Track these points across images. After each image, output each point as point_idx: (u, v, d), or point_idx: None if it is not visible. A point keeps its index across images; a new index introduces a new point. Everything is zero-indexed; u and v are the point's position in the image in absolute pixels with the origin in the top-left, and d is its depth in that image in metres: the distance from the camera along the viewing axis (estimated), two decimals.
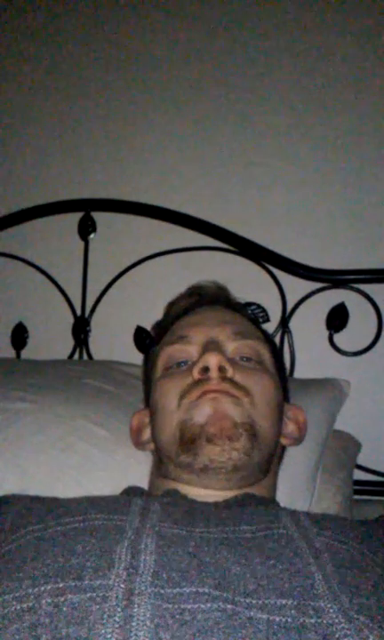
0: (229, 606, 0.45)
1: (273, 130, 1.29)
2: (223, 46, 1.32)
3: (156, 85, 1.35)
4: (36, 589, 0.46)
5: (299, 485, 0.89)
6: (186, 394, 0.71)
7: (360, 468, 1.12)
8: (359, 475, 1.11)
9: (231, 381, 0.70)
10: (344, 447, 1.04)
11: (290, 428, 0.81)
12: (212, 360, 0.70)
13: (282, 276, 1.22)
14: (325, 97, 1.27)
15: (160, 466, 0.76)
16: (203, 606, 0.45)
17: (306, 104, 1.28)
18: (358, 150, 1.25)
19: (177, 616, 0.43)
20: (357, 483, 1.09)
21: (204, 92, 1.33)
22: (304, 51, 1.28)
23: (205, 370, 0.70)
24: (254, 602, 0.46)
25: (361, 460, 1.10)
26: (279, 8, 1.29)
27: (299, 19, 1.28)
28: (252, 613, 0.45)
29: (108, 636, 0.41)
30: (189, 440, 0.68)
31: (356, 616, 0.45)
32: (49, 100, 1.41)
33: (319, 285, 1.21)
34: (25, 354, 1.34)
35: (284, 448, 0.82)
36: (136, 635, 0.41)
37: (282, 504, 0.73)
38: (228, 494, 0.68)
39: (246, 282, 1.22)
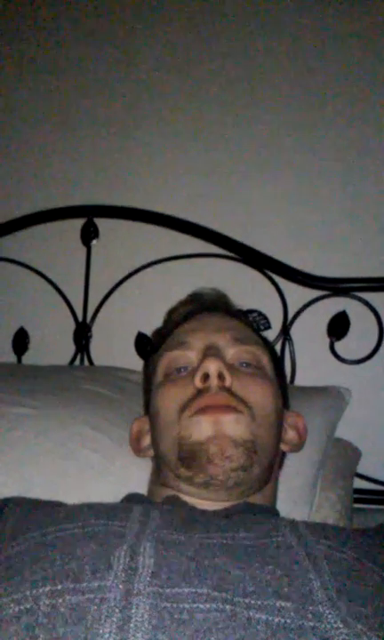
0: (228, 606, 0.45)
1: (276, 137, 1.30)
2: (226, 52, 1.33)
3: (159, 91, 1.36)
4: (34, 591, 0.46)
5: (299, 493, 0.89)
6: (186, 406, 0.70)
7: (360, 476, 1.11)
8: (359, 483, 1.11)
9: (229, 392, 0.70)
10: (344, 455, 1.04)
11: (290, 434, 0.81)
12: (212, 367, 0.70)
13: (283, 283, 1.22)
14: (328, 104, 1.27)
15: (160, 473, 0.76)
16: (201, 606, 0.45)
17: (309, 111, 1.28)
18: (360, 158, 1.25)
19: (175, 615, 0.43)
20: (358, 491, 1.08)
21: (208, 99, 1.33)
22: (305, 55, 1.29)
23: (206, 377, 0.70)
24: (253, 602, 0.46)
25: (361, 468, 1.10)
26: (279, 8, 1.30)
27: (299, 19, 1.29)
28: (251, 614, 0.44)
29: (106, 636, 0.41)
30: (189, 457, 0.68)
31: (353, 622, 0.45)
32: (52, 105, 1.42)
33: (320, 293, 1.21)
34: (26, 359, 1.34)
35: (283, 454, 0.82)
36: (134, 635, 0.41)
37: (282, 512, 0.73)
38: (228, 503, 0.68)
39: (248, 289, 1.22)
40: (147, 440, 0.82)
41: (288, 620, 0.44)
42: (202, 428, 0.67)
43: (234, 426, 0.68)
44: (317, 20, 1.28)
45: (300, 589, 0.48)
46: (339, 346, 1.19)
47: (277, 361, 0.85)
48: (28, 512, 0.64)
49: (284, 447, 0.79)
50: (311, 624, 0.44)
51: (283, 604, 0.46)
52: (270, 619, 0.44)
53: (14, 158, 1.43)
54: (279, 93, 1.30)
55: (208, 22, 1.34)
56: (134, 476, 0.85)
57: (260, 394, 0.73)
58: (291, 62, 1.29)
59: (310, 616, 0.45)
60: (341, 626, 0.44)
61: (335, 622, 0.44)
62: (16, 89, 1.44)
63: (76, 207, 1.34)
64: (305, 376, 1.18)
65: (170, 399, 0.73)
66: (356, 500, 1.06)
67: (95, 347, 1.31)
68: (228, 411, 0.68)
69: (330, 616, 0.45)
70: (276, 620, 0.44)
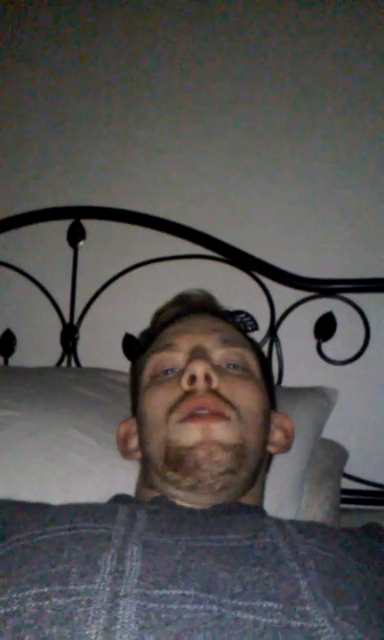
0: (215, 607, 0.45)
1: (264, 140, 1.30)
2: (220, 51, 1.33)
3: (148, 94, 1.36)
4: (21, 594, 0.46)
5: (286, 494, 0.89)
6: (174, 409, 0.70)
7: (347, 476, 1.12)
8: (347, 483, 1.11)
9: (216, 394, 0.70)
10: (331, 456, 1.04)
11: (277, 435, 0.81)
12: (199, 369, 0.70)
13: (270, 284, 1.23)
14: (322, 105, 1.28)
15: (147, 475, 0.76)
16: (188, 607, 0.45)
17: (302, 114, 1.29)
18: (349, 160, 1.26)
19: (162, 615, 0.43)
20: (345, 492, 1.09)
21: (196, 99, 1.34)
22: (303, 56, 1.29)
23: (193, 379, 0.70)
24: (240, 603, 0.46)
25: (348, 468, 1.10)
26: (279, 9, 1.30)
27: (298, 19, 1.29)
28: (238, 614, 0.45)
29: (93, 637, 0.41)
30: (176, 460, 0.67)
31: (340, 621, 0.45)
32: (39, 105, 1.41)
33: (307, 294, 1.21)
34: (12, 361, 1.33)
35: (271, 456, 0.82)
36: (121, 636, 0.41)
37: (269, 512, 0.73)
38: (215, 502, 0.68)
39: (235, 290, 1.22)
40: (134, 442, 0.82)
41: (275, 621, 0.44)
42: (190, 434, 0.67)
43: (223, 432, 0.67)
44: (317, 20, 1.28)
45: (287, 590, 0.48)
46: (325, 347, 1.20)
47: (265, 362, 0.85)
48: (14, 514, 0.64)
49: (271, 448, 0.80)
50: (298, 624, 0.44)
51: (270, 604, 0.46)
52: (258, 619, 0.44)
53: (0, 159, 1.42)
54: (273, 93, 1.30)
55: (208, 23, 1.34)
56: (121, 479, 0.85)
57: (247, 395, 0.73)
58: (288, 63, 1.30)
59: (298, 616, 0.45)
60: (328, 625, 0.44)
61: (322, 621, 0.45)
62: (4, 90, 1.43)
63: (62, 208, 1.33)
64: (292, 377, 1.19)
65: (157, 401, 0.73)
66: (344, 501, 1.07)
67: (82, 348, 1.30)
68: (217, 418, 0.68)
69: (317, 615, 0.45)
70: (264, 620, 0.44)
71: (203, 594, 0.46)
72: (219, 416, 0.68)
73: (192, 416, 0.68)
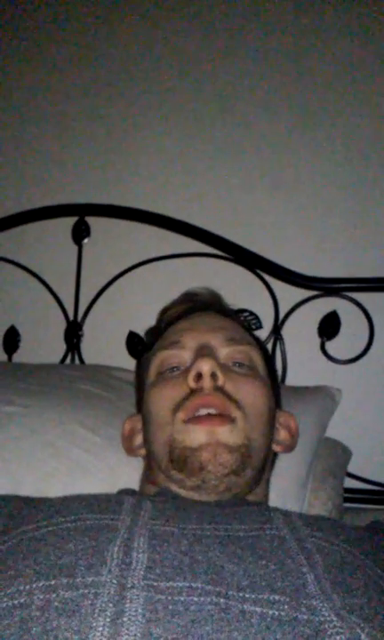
0: (222, 600, 0.45)
1: (268, 139, 1.30)
2: (220, 51, 1.33)
3: (151, 92, 1.36)
4: (28, 587, 0.46)
5: (289, 493, 0.89)
6: (179, 407, 0.70)
7: (351, 476, 1.12)
8: (350, 483, 1.12)
9: (222, 391, 0.70)
10: (335, 455, 1.04)
11: (281, 434, 0.81)
12: (205, 366, 0.70)
13: (274, 283, 1.23)
14: (323, 105, 1.28)
15: (151, 473, 0.76)
16: (195, 599, 0.45)
17: (305, 113, 1.29)
18: (352, 159, 1.26)
19: (170, 607, 0.44)
20: (348, 491, 1.09)
21: (200, 98, 1.34)
22: (305, 55, 1.29)
23: (199, 376, 0.70)
24: (247, 596, 0.46)
25: (352, 468, 1.10)
26: (279, 9, 1.30)
27: (299, 19, 1.29)
28: (245, 607, 0.45)
29: (100, 629, 0.41)
30: (180, 461, 0.67)
31: (347, 615, 0.45)
32: (44, 103, 1.41)
33: (312, 293, 1.21)
34: (16, 357, 1.33)
35: (275, 455, 0.82)
36: (128, 629, 0.41)
37: None
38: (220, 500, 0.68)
39: (239, 289, 1.22)
40: (139, 439, 0.82)
41: (282, 613, 0.44)
42: (195, 436, 0.67)
43: (228, 435, 0.67)
44: (318, 19, 1.28)
45: (293, 583, 0.48)
46: (329, 346, 1.20)
47: (270, 361, 0.85)
48: (20, 508, 0.64)
49: (276, 447, 0.79)
50: (305, 617, 0.44)
51: (276, 597, 0.46)
52: (264, 611, 0.44)
53: (5, 156, 1.42)
54: (272, 93, 1.30)
55: (208, 23, 1.34)
56: (125, 475, 0.85)
57: (252, 394, 0.73)
58: (290, 62, 1.29)
59: (304, 609, 0.45)
60: (335, 618, 0.44)
61: (329, 615, 0.45)
62: (8, 86, 1.43)
63: (67, 205, 1.33)
64: (296, 376, 1.19)
65: (163, 399, 0.73)
66: (347, 500, 1.07)
67: (86, 345, 1.30)
68: (222, 421, 0.68)
69: (323, 609, 0.45)
70: (270, 612, 0.44)
71: (210, 586, 0.46)
72: (224, 418, 0.68)
73: (198, 418, 0.68)
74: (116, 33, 1.38)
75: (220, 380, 0.70)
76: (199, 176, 1.32)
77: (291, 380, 1.18)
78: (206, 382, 0.69)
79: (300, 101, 1.29)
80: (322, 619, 0.44)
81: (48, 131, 1.40)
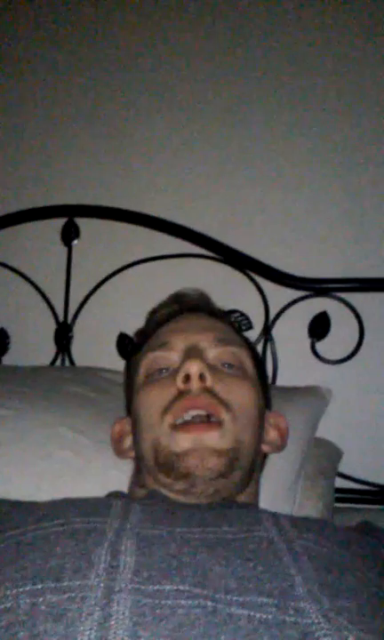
0: (210, 603, 0.45)
1: (259, 140, 1.30)
2: (220, 51, 1.33)
3: (142, 93, 1.36)
4: (15, 591, 0.46)
5: (280, 493, 0.89)
6: (168, 409, 0.70)
7: (341, 475, 1.12)
8: (341, 482, 1.12)
9: (211, 393, 0.70)
10: (325, 455, 1.05)
11: (271, 435, 0.81)
12: (193, 368, 0.70)
13: (265, 283, 1.23)
14: (314, 105, 1.28)
15: (140, 475, 0.76)
16: (183, 602, 0.44)
17: (299, 115, 1.29)
18: (344, 159, 1.26)
19: (157, 611, 0.43)
20: (338, 490, 1.09)
21: (191, 98, 1.33)
22: (304, 56, 1.29)
23: (187, 378, 0.70)
24: (235, 599, 0.46)
25: (342, 467, 1.10)
26: (279, 8, 1.30)
27: (299, 19, 1.29)
28: (232, 610, 0.44)
29: (87, 633, 0.41)
30: (167, 464, 0.68)
31: (335, 617, 0.45)
32: (33, 105, 1.40)
33: (302, 294, 1.21)
34: (6, 360, 1.33)
35: (265, 455, 0.82)
36: (115, 632, 0.41)
37: None
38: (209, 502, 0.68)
39: (229, 289, 1.22)
40: (128, 441, 0.81)
41: (269, 616, 0.44)
42: (181, 443, 0.67)
43: (216, 440, 0.68)
44: (318, 19, 1.28)
45: (281, 585, 0.48)
46: (320, 346, 1.20)
47: (259, 362, 0.85)
48: (6, 512, 0.63)
49: (265, 448, 0.80)
50: (293, 619, 0.44)
51: (264, 600, 0.46)
52: (252, 614, 0.44)
53: None
54: (269, 91, 1.30)
55: (208, 22, 1.33)
56: (114, 478, 0.84)
57: (241, 395, 0.73)
58: (289, 63, 1.29)
59: (292, 611, 0.45)
60: (323, 620, 0.44)
61: (316, 617, 0.45)
62: None
63: (56, 207, 1.33)
64: (286, 376, 1.19)
65: (151, 401, 0.73)
66: (338, 500, 1.07)
67: (76, 347, 1.30)
68: (209, 427, 0.68)
69: (311, 611, 0.45)
70: (258, 615, 0.44)
71: (197, 589, 0.46)
72: (212, 425, 0.68)
73: (186, 424, 0.68)
74: (113, 32, 1.38)
75: (209, 381, 0.70)
76: (189, 177, 1.32)
77: (281, 381, 1.19)
78: (194, 383, 0.69)
79: (295, 101, 1.29)
80: (309, 621, 0.44)
81: (37, 132, 1.40)
